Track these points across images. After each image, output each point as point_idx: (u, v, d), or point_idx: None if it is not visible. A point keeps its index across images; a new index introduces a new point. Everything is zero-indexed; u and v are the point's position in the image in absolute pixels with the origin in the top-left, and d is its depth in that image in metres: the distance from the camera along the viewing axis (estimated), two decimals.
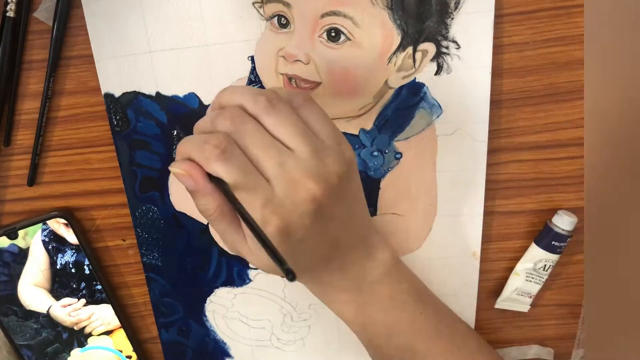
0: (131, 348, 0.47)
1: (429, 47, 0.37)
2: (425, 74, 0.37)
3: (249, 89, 0.31)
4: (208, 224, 0.42)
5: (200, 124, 0.32)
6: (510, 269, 0.43)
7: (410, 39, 0.36)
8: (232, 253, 0.34)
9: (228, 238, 0.33)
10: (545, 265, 0.42)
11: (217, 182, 0.30)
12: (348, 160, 0.31)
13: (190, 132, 0.39)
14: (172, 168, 0.30)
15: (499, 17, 0.36)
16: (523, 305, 0.44)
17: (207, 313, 0.45)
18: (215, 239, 0.43)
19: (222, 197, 0.30)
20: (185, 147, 0.30)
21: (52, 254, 0.43)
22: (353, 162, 0.32)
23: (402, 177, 0.40)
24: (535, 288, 0.43)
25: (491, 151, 0.40)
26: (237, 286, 0.44)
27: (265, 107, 0.30)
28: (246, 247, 0.32)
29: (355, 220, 0.34)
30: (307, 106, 0.31)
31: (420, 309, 0.37)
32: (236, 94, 0.31)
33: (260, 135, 0.29)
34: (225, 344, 0.47)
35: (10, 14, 0.37)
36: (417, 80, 0.37)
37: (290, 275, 0.25)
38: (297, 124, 0.30)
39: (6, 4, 0.36)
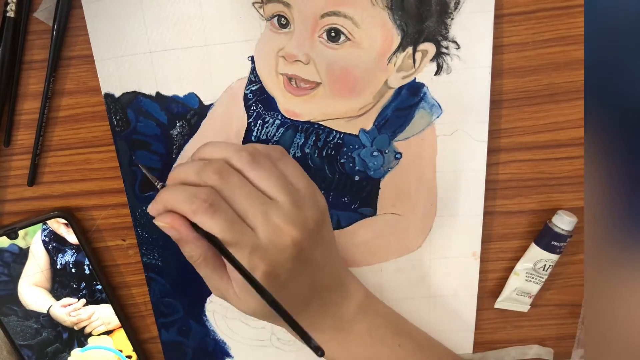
0: (131, 348, 0.47)
1: (429, 47, 0.37)
2: (425, 74, 0.37)
3: (230, 144, 0.34)
4: None
5: (183, 174, 0.33)
6: (510, 269, 0.43)
7: (410, 39, 0.36)
8: (216, 296, 0.36)
9: (212, 283, 0.35)
10: (545, 265, 0.42)
11: (205, 234, 0.32)
12: (322, 208, 0.35)
13: (191, 132, 0.39)
14: (157, 222, 0.33)
15: (499, 17, 0.36)
16: (523, 305, 0.44)
17: (207, 313, 0.45)
18: None
19: (206, 244, 0.33)
20: (169, 196, 0.32)
21: (52, 254, 0.43)
22: (326, 210, 0.35)
23: (401, 177, 0.40)
24: (535, 288, 0.43)
25: (491, 151, 0.40)
26: None
27: (248, 162, 0.33)
28: (231, 291, 0.34)
29: (330, 263, 0.37)
30: (284, 160, 0.34)
31: (398, 341, 0.39)
32: (219, 150, 0.33)
33: (245, 188, 0.32)
34: (225, 344, 0.47)
35: (10, 14, 0.37)
36: (417, 81, 0.37)
37: (320, 352, 0.28)
38: (278, 176, 0.33)
39: (6, 4, 0.36)
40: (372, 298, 0.40)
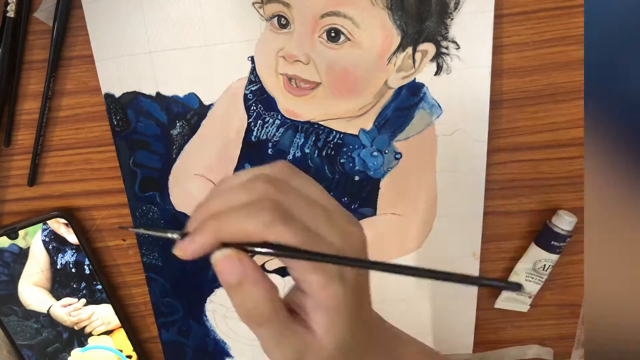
0: (131, 348, 0.47)
1: (429, 48, 0.37)
2: (425, 74, 0.37)
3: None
4: None
5: (224, 199, 0.26)
6: (510, 269, 0.43)
7: (410, 39, 0.36)
8: None
9: (287, 345, 0.26)
10: (545, 265, 0.42)
11: (272, 249, 0.25)
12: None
13: (191, 132, 0.39)
14: (218, 254, 0.25)
15: (499, 17, 0.36)
16: (523, 305, 0.44)
17: (207, 313, 0.45)
18: None
19: (273, 291, 0.25)
20: (227, 220, 0.25)
21: (52, 254, 0.43)
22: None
23: (402, 177, 0.40)
24: (535, 288, 0.43)
25: (491, 151, 0.40)
26: None
27: (290, 172, 0.27)
28: (309, 337, 0.26)
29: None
30: (298, 173, 0.28)
31: None
32: (249, 173, 0.27)
33: (300, 195, 0.27)
34: (225, 344, 0.47)
35: (11, 14, 0.37)
36: (417, 81, 0.37)
37: (519, 287, 0.23)
38: (314, 182, 0.28)
39: (6, 4, 0.36)
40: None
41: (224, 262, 0.25)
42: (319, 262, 0.25)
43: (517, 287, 0.23)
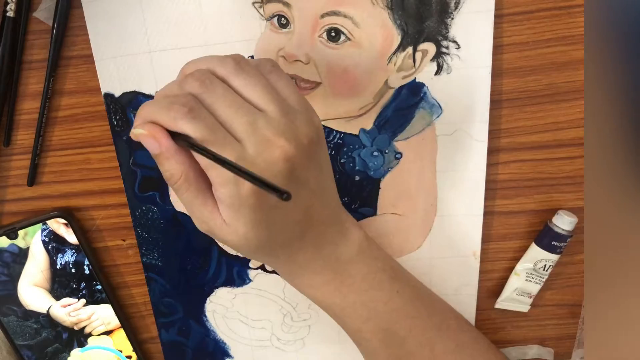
0: (131, 348, 0.47)
1: (429, 47, 0.37)
2: (425, 74, 0.37)
3: (214, 55, 0.30)
4: None
5: (166, 89, 0.30)
6: (510, 269, 0.43)
7: (410, 39, 0.36)
8: (203, 231, 0.32)
9: (196, 212, 0.31)
10: (545, 265, 0.42)
11: (183, 139, 0.28)
12: (317, 125, 0.31)
13: None
14: (134, 130, 0.29)
15: (499, 17, 0.36)
16: (523, 305, 0.44)
17: (207, 313, 0.45)
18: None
19: (189, 162, 0.29)
20: (148, 109, 0.29)
21: (52, 254, 0.43)
22: (321, 130, 0.32)
23: (402, 177, 0.40)
24: (535, 288, 0.43)
25: (491, 151, 0.40)
26: (237, 286, 0.44)
27: (234, 68, 0.29)
28: (219, 220, 0.30)
29: (326, 193, 0.34)
30: (275, 72, 0.31)
31: (397, 287, 0.37)
32: (202, 61, 0.30)
33: (229, 96, 0.29)
34: (225, 344, 0.47)
35: (10, 14, 0.37)
36: (417, 80, 0.37)
37: (285, 195, 0.24)
38: (266, 85, 0.30)
39: (6, 4, 0.36)
40: (370, 240, 0.37)
41: (141, 137, 0.29)
42: (208, 156, 0.27)
43: (283, 195, 0.24)
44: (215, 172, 0.29)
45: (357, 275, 0.36)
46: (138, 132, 0.29)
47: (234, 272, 0.44)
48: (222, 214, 0.30)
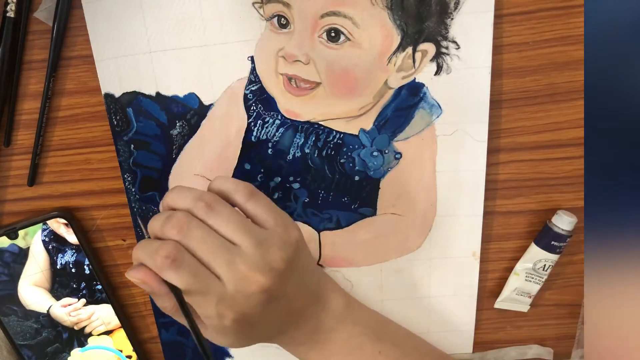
0: (131, 348, 0.47)
1: (429, 47, 0.37)
2: (425, 74, 0.37)
3: (190, 192, 0.33)
4: None
5: (152, 226, 0.34)
6: (510, 269, 0.43)
7: (410, 39, 0.36)
8: None
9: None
10: (544, 265, 0.42)
11: (170, 285, 0.32)
12: (294, 242, 0.34)
13: (190, 132, 0.39)
14: (128, 276, 0.33)
15: (499, 17, 0.36)
16: (523, 305, 0.44)
17: None
18: None
19: (174, 299, 0.33)
20: (138, 254, 0.33)
21: (52, 254, 0.43)
22: (300, 241, 0.35)
23: (401, 177, 0.40)
24: (535, 288, 0.43)
25: (491, 151, 0.40)
26: None
27: (205, 212, 0.32)
28: (208, 334, 0.35)
29: (306, 286, 0.37)
30: (253, 200, 0.34)
31: (379, 348, 0.39)
32: (180, 198, 0.33)
33: (207, 238, 0.32)
34: None
35: (10, 14, 0.37)
36: (416, 81, 0.37)
37: None
38: (237, 221, 0.32)
39: (6, 4, 0.36)
40: (351, 305, 0.40)
41: (135, 282, 0.33)
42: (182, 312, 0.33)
43: None
44: (200, 310, 0.33)
45: (338, 341, 0.38)
46: (132, 278, 0.33)
47: None
48: (210, 333, 0.35)
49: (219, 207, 0.33)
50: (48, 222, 0.42)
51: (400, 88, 0.38)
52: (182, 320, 0.34)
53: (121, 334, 0.46)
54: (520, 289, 0.43)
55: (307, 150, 0.40)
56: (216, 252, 0.32)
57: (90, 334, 0.46)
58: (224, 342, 0.35)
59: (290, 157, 0.40)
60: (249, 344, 0.37)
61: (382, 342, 0.39)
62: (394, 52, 0.37)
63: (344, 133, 0.39)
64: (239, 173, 0.40)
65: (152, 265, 0.32)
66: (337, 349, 0.38)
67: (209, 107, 0.39)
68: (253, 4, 0.36)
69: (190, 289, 0.32)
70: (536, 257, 0.42)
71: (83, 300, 0.44)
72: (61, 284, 0.44)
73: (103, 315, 0.45)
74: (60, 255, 0.43)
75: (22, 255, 0.42)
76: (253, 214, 0.34)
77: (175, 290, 0.32)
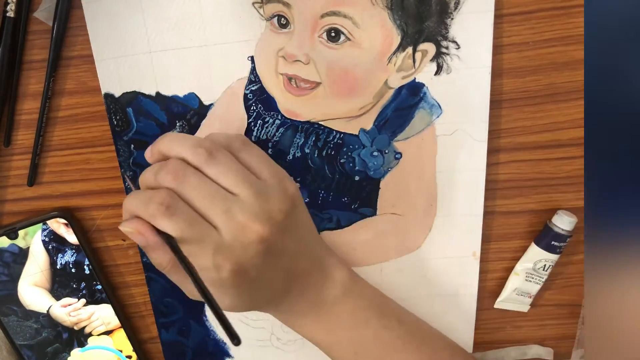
0: (131, 348, 0.47)
1: (429, 47, 0.37)
2: (425, 74, 0.37)
3: (187, 139, 0.32)
4: None
5: (145, 177, 0.33)
6: (510, 269, 0.43)
7: (410, 39, 0.36)
8: (194, 299, 0.35)
9: (186, 288, 0.34)
10: (545, 265, 0.42)
11: (164, 236, 0.31)
12: (291, 195, 0.33)
13: (191, 132, 0.39)
14: (122, 227, 0.32)
15: (499, 17, 0.36)
16: (523, 305, 0.44)
17: (207, 313, 0.45)
18: None
19: (170, 254, 0.32)
20: (130, 204, 0.32)
21: (52, 254, 0.43)
22: (296, 196, 0.34)
23: (401, 177, 0.40)
24: (535, 288, 0.43)
25: (491, 151, 0.40)
26: None
27: (205, 159, 0.31)
28: None
29: (308, 247, 0.36)
30: (246, 150, 0.33)
31: (384, 323, 0.38)
32: (175, 144, 0.32)
33: (204, 186, 0.31)
34: (225, 344, 0.46)
35: (10, 14, 0.37)
36: (417, 81, 0.37)
37: (235, 340, 0.28)
38: (237, 170, 0.32)
39: (6, 4, 0.36)
40: (356, 279, 0.39)
41: (127, 233, 0.31)
42: (183, 266, 0.30)
43: (234, 340, 0.29)
44: (196, 262, 0.31)
45: (343, 314, 0.37)
46: (125, 229, 0.31)
47: None
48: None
49: (219, 155, 0.32)
50: (48, 222, 0.42)
51: (400, 88, 0.38)
52: (177, 278, 0.33)
53: (121, 334, 0.46)
54: (520, 289, 0.43)
55: (307, 150, 0.40)
56: (213, 200, 0.31)
57: (90, 334, 0.46)
58: (225, 301, 0.33)
59: (290, 157, 0.40)
60: (250, 306, 0.35)
61: (387, 318, 0.38)
62: (394, 52, 0.37)
63: (344, 133, 0.39)
64: None
65: (145, 214, 0.31)
66: (342, 323, 0.37)
67: (209, 107, 0.39)
68: (253, 4, 0.36)
69: (185, 237, 0.30)
70: (536, 257, 0.42)
71: (83, 300, 0.44)
72: (61, 284, 0.44)
73: (103, 315, 0.45)
74: (60, 255, 0.43)
75: (22, 255, 0.42)
76: (248, 164, 0.33)
77: (170, 241, 0.31)
